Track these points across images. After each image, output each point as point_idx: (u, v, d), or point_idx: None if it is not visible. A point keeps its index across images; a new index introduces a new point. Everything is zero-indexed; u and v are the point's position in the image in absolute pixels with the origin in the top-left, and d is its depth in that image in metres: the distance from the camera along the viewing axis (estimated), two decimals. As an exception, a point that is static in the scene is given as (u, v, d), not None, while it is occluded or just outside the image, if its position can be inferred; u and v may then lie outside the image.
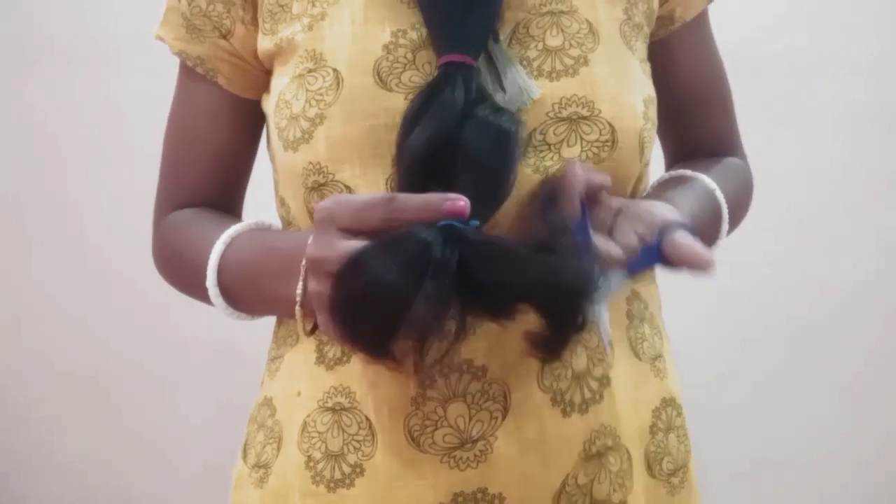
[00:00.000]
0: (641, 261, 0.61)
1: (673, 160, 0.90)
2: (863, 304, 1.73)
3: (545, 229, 0.60)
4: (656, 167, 0.81)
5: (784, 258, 1.70)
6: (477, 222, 0.58)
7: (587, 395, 0.68)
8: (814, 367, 1.74)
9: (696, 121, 0.86)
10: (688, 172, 0.79)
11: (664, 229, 0.61)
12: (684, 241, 0.60)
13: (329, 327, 0.58)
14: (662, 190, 0.76)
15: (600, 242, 0.61)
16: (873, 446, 1.75)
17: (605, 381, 0.69)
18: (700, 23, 0.84)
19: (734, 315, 1.70)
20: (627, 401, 0.71)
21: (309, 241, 0.64)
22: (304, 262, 0.64)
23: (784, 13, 1.69)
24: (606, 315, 0.67)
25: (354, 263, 0.54)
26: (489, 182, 0.60)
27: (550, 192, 0.64)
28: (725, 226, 0.78)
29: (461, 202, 0.55)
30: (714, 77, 0.87)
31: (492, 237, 0.58)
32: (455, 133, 0.60)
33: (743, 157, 0.90)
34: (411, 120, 0.62)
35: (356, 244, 0.56)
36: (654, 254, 0.61)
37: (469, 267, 0.54)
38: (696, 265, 0.59)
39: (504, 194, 0.61)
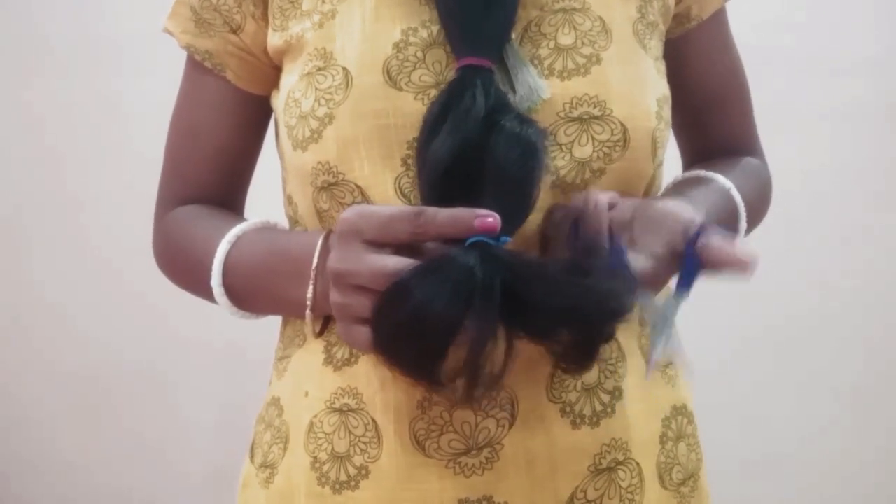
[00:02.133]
0: (688, 273, 0.58)
1: (690, 160, 0.89)
2: (863, 304, 1.73)
3: (576, 250, 0.60)
4: (671, 167, 0.81)
5: (783, 258, 1.70)
6: (507, 238, 0.57)
7: (598, 408, 0.68)
8: (813, 366, 1.74)
9: (713, 120, 0.85)
10: (703, 172, 0.78)
11: (694, 234, 0.59)
12: (722, 244, 0.57)
13: (355, 338, 0.58)
14: (677, 190, 0.75)
15: (635, 262, 0.60)
16: (873, 446, 1.76)
17: (617, 393, 0.69)
18: (717, 21, 0.83)
19: (734, 314, 1.70)
20: (638, 412, 0.70)
21: (322, 246, 0.64)
22: (314, 266, 0.65)
23: (784, 13, 1.69)
24: (668, 341, 0.63)
25: (399, 290, 0.54)
26: (516, 196, 0.60)
27: (575, 223, 0.63)
28: (743, 225, 0.77)
29: (492, 219, 0.55)
30: (732, 76, 0.85)
31: (527, 259, 0.57)
32: (479, 141, 0.60)
33: (762, 157, 0.89)
34: (432, 125, 0.62)
35: (388, 260, 0.56)
36: (694, 263, 0.58)
37: (512, 291, 0.54)
38: (739, 267, 0.57)
39: (530, 207, 0.61)
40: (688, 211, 0.61)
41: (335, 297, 0.59)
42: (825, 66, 1.69)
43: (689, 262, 0.58)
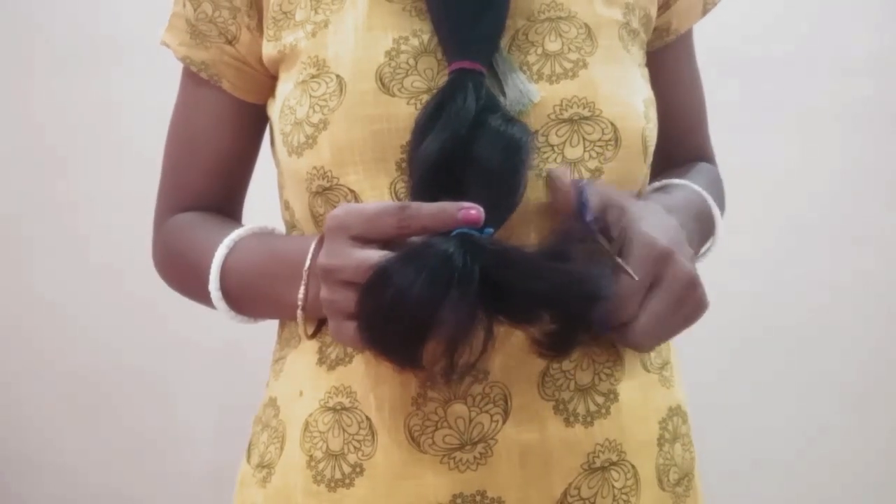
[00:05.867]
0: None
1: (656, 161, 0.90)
2: (863, 304, 1.73)
3: (558, 236, 0.61)
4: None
5: (784, 258, 1.70)
6: (491, 230, 0.59)
7: (592, 408, 0.68)
8: (814, 367, 1.74)
9: (679, 129, 0.87)
10: (677, 181, 0.79)
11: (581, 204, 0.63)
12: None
13: (344, 334, 0.59)
14: (663, 197, 0.76)
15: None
16: (873, 446, 1.75)
17: (611, 396, 0.69)
18: (689, 33, 0.86)
19: (734, 315, 1.70)
20: (635, 416, 0.71)
21: (314, 249, 0.65)
22: (306, 267, 0.66)
23: (784, 13, 1.70)
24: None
25: (380, 276, 0.55)
26: (500, 191, 0.61)
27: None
28: (720, 230, 0.79)
29: (475, 211, 0.57)
30: (696, 87, 0.89)
31: (507, 246, 0.59)
32: (467, 139, 0.61)
33: (713, 158, 0.93)
34: (423, 127, 0.63)
35: (372, 254, 0.57)
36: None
37: (491, 276, 0.55)
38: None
39: (515, 203, 0.62)
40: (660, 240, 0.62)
41: (324, 293, 0.60)
42: (825, 66, 1.69)
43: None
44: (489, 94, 0.64)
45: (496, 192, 0.61)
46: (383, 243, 0.58)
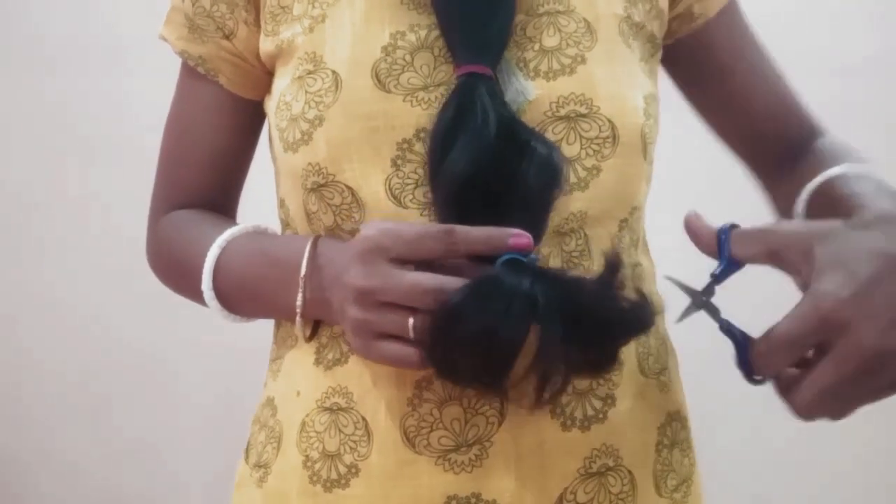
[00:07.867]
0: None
1: (759, 151, 0.87)
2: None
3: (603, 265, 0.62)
4: (661, 170, 0.81)
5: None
6: (536, 256, 0.60)
7: (590, 412, 0.68)
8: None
9: (765, 102, 0.85)
10: (835, 172, 0.74)
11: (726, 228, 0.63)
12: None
13: (377, 353, 0.60)
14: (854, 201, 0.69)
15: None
16: (872, 446, 1.75)
17: (609, 400, 0.69)
18: (730, 13, 0.83)
19: (734, 315, 1.69)
20: (633, 421, 0.70)
21: (309, 253, 0.66)
22: (302, 275, 0.66)
23: (784, 13, 1.69)
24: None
25: (456, 311, 0.56)
26: (538, 216, 0.62)
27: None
28: None
29: (526, 239, 0.58)
30: (766, 58, 0.86)
31: (566, 276, 0.60)
32: (495, 155, 0.61)
33: (823, 127, 0.88)
34: (444, 137, 0.63)
35: (421, 277, 0.58)
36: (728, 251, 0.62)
37: (568, 308, 0.57)
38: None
39: (546, 228, 0.64)
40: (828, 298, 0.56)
41: (356, 313, 0.60)
42: (824, 66, 1.69)
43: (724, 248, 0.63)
44: (503, 102, 0.64)
45: (534, 217, 0.62)
46: (422, 264, 0.59)
